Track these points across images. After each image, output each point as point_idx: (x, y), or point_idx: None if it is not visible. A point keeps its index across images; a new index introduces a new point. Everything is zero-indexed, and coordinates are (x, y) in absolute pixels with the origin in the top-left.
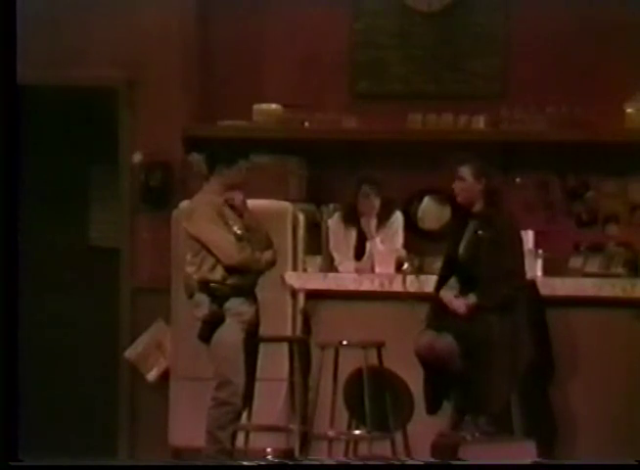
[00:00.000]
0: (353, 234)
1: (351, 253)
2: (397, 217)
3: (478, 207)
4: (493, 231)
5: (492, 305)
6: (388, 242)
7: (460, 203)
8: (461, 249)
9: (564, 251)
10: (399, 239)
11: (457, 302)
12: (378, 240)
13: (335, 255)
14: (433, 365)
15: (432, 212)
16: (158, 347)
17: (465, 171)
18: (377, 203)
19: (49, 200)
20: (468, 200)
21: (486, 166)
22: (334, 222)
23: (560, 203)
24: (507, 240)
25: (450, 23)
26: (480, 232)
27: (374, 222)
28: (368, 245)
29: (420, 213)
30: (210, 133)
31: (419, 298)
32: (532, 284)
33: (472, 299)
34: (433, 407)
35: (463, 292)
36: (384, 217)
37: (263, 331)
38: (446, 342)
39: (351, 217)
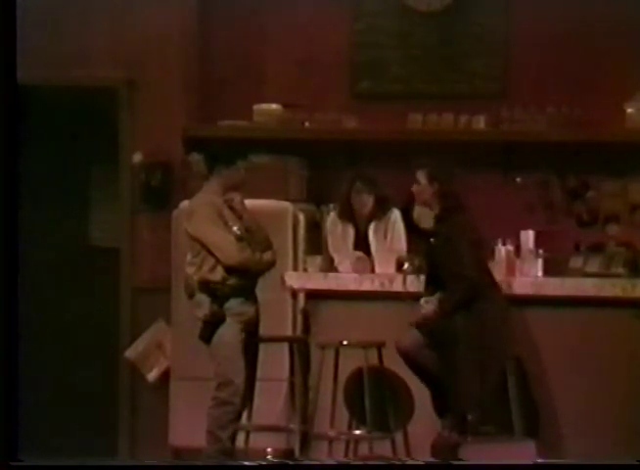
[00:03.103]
0: (351, 231)
1: (351, 251)
2: (397, 217)
3: (435, 210)
4: (446, 235)
5: (448, 310)
6: (390, 242)
7: (418, 204)
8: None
9: (564, 251)
10: (402, 239)
11: (426, 306)
12: (373, 240)
13: (334, 255)
14: (406, 362)
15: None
16: (158, 347)
17: (420, 175)
18: (370, 200)
19: (49, 200)
20: (424, 203)
21: (443, 171)
22: (330, 222)
23: (560, 203)
24: (458, 244)
25: (450, 23)
26: (431, 239)
27: (372, 225)
28: (372, 243)
29: (418, 213)
30: (211, 133)
31: (419, 298)
32: (495, 284)
33: (434, 304)
34: (438, 411)
35: (431, 294)
36: (380, 215)
37: (264, 331)
38: (411, 335)
39: (347, 214)
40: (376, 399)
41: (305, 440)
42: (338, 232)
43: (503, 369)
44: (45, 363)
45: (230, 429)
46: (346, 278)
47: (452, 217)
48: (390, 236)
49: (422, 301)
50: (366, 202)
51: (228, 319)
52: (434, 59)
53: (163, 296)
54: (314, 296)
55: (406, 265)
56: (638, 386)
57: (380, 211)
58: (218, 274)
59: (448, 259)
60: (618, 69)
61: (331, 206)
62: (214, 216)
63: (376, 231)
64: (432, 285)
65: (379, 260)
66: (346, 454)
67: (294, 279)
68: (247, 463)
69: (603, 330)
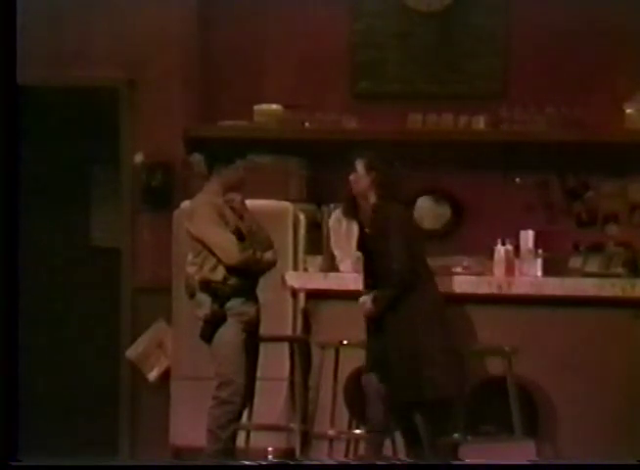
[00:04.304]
0: (355, 228)
1: (354, 249)
2: None
3: (372, 200)
4: (381, 225)
5: (381, 307)
6: None
7: (355, 195)
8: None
9: (564, 251)
10: None
11: (364, 305)
12: None
13: (336, 252)
14: None
15: (430, 212)
16: (159, 346)
17: (358, 164)
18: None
19: (50, 200)
20: (360, 192)
21: (380, 161)
22: (333, 219)
23: (560, 203)
24: (391, 236)
25: (450, 24)
26: (366, 229)
27: None
28: None
29: (418, 214)
30: (211, 134)
31: None
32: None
33: (369, 302)
34: None
35: (369, 290)
36: None
37: (264, 331)
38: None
39: (351, 211)
40: None
41: (306, 439)
42: (342, 230)
43: (444, 366)
44: (45, 363)
45: (230, 428)
46: (347, 278)
47: (388, 208)
48: None
49: (360, 300)
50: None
51: (229, 319)
52: (434, 59)
53: (164, 296)
54: (314, 295)
55: None
56: (638, 386)
57: None
58: (219, 274)
59: (381, 252)
60: (618, 69)
61: (331, 206)
62: (215, 216)
63: None
64: (370, 280)
65: None
66: (346, 454)
67: (294, 279)
68: (247, 463)
69: (602, 330)
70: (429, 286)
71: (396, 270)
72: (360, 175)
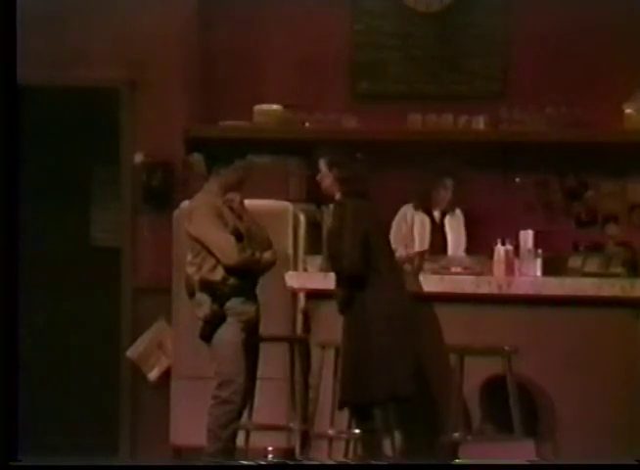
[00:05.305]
0: (427, 222)
1: (427, 240)
2: (460, 213)
3: (337, 197)
4: (339, 218)
5: (338, 307)
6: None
7: (324, 193)
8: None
9: (563, 250)
10: (463, 234)
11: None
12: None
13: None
14: None
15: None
16: (159, 346)
17: (321, 163)
18: (449, 196)
19: (50, 200)
20: (325, 190)
21: (343, 157)
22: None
23: (559, 203)
24: (346, 230)
25: (450, 24)
26: (328, 222)
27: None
28: (448, 234)
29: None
30: (211, 134)
31: (419, 297)
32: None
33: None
34: None
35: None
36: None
37: (264, 330)
38: None
39: (426, 207)
40: None
41: (306, 439)
42: (408, 224)
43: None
44: (45, 363)
45: (230, 428)
46: None
47: (347, 204)
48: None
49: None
50: (446, 197)
51: (229, 319)
52: (434, 59)
53: (164, 295)
54: (314, 295)
55: (406, 265)
56: (637, 385)
57: (450, 206)
58: (219, 274)
59: (336, 246)
60: (617, 69)
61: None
62: (214, 217)
63: (450, 223)
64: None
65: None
66: (346, 454)
67: (294, 279)
68: (247, 463)
69: (602, 330)
70: (389, 283)
71: (346, 267)
72: (323, 173)
